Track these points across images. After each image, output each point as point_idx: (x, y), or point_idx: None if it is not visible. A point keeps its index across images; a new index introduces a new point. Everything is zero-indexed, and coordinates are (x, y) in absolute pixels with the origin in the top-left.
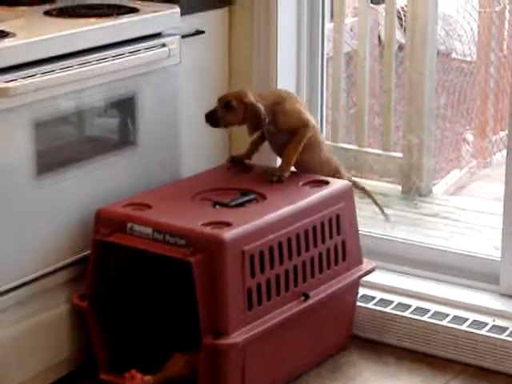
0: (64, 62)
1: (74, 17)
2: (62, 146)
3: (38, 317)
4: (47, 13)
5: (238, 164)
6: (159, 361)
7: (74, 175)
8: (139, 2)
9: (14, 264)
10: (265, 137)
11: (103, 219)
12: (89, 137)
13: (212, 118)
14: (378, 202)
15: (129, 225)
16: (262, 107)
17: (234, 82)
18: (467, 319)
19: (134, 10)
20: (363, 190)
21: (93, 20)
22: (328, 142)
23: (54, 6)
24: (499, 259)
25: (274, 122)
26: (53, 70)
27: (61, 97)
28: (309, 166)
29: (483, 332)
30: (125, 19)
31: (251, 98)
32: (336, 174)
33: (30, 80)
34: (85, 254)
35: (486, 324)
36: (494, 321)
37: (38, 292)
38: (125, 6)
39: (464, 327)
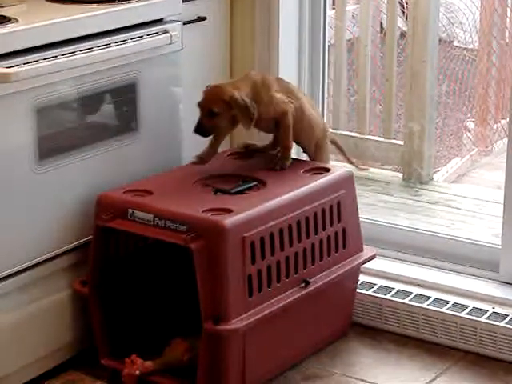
0: (66, 48)
1: (76, 2)
2: (63, 132)
3: (39, 302)
4: None
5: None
6: (160, 346)
7: (75, 161)
8: None
9: (15, 249)
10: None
11: (104, 205)
12: (90, 123)
13: (200, 130)
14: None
15: (130, 211)
16: (245, 97)
17: (236, 69)
18: (467, 306)
19: None
20: (335, 144)
21: (95, 6)
22: (329, 130)
23: None
24: (499, 247)
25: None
26: (55, 56)
27: (62, 83)
28: (301, 133)
29: (483, 319)
30: (127, 5)
31: (231, 92)
32: (324, 134)
33: (31, 66)
34: (86, 239)
35: (486, 311)
36: (493, 308)
37: (40, 277)
38: None
39: (464, 314)
